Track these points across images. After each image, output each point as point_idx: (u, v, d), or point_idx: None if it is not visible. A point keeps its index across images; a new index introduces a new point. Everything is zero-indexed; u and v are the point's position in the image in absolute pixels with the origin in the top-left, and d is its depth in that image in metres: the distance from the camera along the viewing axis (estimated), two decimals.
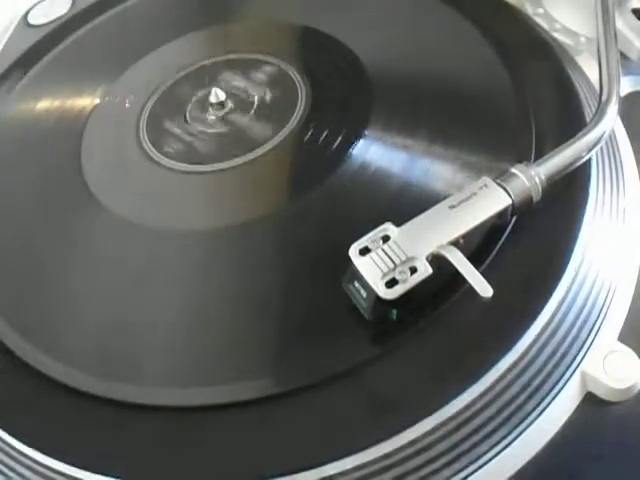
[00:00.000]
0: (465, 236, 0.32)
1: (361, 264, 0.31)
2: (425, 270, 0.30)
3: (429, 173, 0.38)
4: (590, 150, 0.35)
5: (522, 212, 0.33)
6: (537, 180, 0.33)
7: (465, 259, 0.30)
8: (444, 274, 0.31)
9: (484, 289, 0.30)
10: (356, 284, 0.31)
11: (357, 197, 0.37)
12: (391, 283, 0.30)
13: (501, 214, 0.33)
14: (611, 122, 0.35)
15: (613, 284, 0.34)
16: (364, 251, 0.31)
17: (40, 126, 0.46)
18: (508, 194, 0.33)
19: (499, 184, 0.33)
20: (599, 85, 0.37)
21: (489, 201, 0.32)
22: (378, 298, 0.30)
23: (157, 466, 0.31)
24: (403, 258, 0.31)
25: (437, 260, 0.31)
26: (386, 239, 0.31)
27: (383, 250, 0.31)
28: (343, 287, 0.32)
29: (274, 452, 0.30)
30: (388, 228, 0.32)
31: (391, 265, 0.31)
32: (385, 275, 0.30)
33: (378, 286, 0.30)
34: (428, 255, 0.31)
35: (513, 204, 0.33)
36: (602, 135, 0.35)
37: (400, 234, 0.31)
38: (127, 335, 0.35)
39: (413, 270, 0.30)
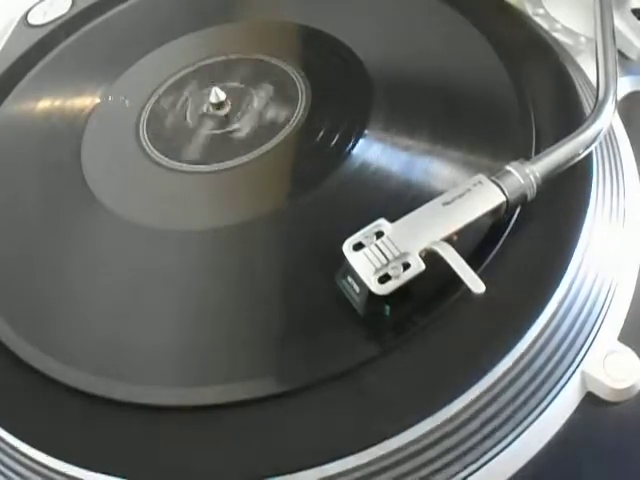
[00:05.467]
0: (459, 233, 0.32)
1: (354, 259, 0.31)
2: (418, 266, 0.30)
3: (429, 172, 0.38)
4: (586, 148, 0.35)
5: (519, 209, 0.33)
6: (532, 178, 0.33)
7: (458, 255, 0.30)
8: (442, 274, 0.31)
9: (476, 285, 0.30)
10: (349, 279, 0.31)
11: (357, 197, 0.37)
12: (384, 279, 0.30)
13: (495, 211, 0.33)
14: (608, 120, 0.35)
15: (613, 284, 0.34)
16: (358, 247, 0.31)
17: (40, 126, 0.46)
18: (502, 191, 0.32)
19: (493, 181, 0.33)
20: (596, 84, 0.37)
21: (483, 198, 0.32)
22: (371, 293, 0.30)
23: (157, 466, 0.31)
24: (396, 254, 0.31)
25: (430, 256, 0.31)
26: (380, 235, 0.31)
27: (376, 246, 0.31)
28: (336, 282, 0.32)
29: (273, 451, 0.30)
30: (382, 224, 0.32)
31: (384, 261, 0.31)
32: (378, 271, 0.30)
33: (371, 281, 0.30)
34: (421, 251, 0.31)
35: (507, 201, 0.32)
36: (598, 133, 0.35)
37: (394, 230, 0.31)
38: (128, 335, 0.35)
39: (406, 266, 0.30)
